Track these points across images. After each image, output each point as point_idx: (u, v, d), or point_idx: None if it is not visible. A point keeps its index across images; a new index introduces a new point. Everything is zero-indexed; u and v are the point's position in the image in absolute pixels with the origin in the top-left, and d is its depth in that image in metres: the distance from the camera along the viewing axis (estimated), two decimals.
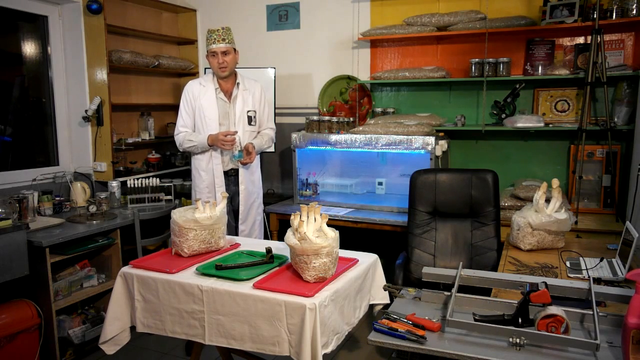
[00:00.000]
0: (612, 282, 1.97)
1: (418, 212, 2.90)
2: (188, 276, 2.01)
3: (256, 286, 1.86)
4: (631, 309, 1.36)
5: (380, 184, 3.91)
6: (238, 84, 3.19)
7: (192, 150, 3.20)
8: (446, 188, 2.87)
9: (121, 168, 3.91)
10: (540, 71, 3.38)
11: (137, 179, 3.65)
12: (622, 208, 3.21)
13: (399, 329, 1.56)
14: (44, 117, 3.80)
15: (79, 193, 3.59)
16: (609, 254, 2.32)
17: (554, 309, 1.51)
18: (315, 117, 3.79)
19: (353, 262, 2.12)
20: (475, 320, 1.57)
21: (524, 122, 3.30)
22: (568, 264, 2.19)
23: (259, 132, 3.31)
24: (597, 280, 1.97)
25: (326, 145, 3.66)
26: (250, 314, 1.83)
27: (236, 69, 3.21)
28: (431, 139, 3.29)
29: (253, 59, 4.32)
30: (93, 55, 3.71)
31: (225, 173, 3.21)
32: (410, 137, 3.35)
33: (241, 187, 3.23)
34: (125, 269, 2.13)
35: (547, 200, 2.47)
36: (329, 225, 1.97)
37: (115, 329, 2.11)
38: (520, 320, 1.54)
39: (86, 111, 3.70)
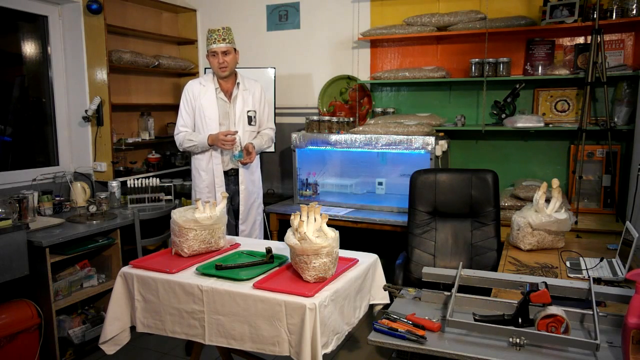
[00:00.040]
0: (612, 282, 1.97)
1: (418, 212, 2.90)
2: (188, 276, 2.01)
3: (256, 286, 1.86)
4: (631, 309, 1.36)
5: (380, 184, 3.91)
6: (238, 83, 3.19)
7: (192, 150, 3.20)
8: (446, 188, 2.87)
9: (121, 168, 3.91)
10: (540, 71, 3.38)
11: (137, 179, 3.65)
12: (622, 208, 3.21)
13: (399, 329, 1.56)
14: (44, 117, 3.80)
15: (79, 193, 3.59)
16: (609, 254, 2.32)
17: (554, 309, 1.51)
18: (315, 117, 3.79)
19: (353, 262, 2.12)
20: (475, 320, 1.57)
21: (524, 122, 3.30)
22: (568, 264, 2.19)
23: (258, 132, 3.31)
24: (597, 280, 1.97)
25: (326, 145, 3.66)
26: (250, 314, 1.83)
27: (236, 69, 3.22)
28: (431, 139, 3.29)
29: (253, 59, 4.32)
30: (93, 55, 3.71)
31: (225, 173, 3.22)
32: (410, 137, 3.35)
33: (241, 187, 3.23)
34: (125, 269, 2.13)
35: (547, 200, 2.47)
36: (329, 225, 1.97)
37: (115, 329, 2.11)
38: (520, 320, 1.54)
39: (86, 111, 3.70)
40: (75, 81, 3.79)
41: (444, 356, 1.48)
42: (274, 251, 2.18)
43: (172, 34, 4.52)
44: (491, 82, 3.48)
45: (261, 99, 3.29)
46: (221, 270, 2.03)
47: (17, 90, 3.69)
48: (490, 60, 3.44)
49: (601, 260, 2.17)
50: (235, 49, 3.13)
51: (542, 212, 2.41)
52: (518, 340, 1.46)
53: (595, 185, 3.28)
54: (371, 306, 2.21)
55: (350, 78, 4.07)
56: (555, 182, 2.49)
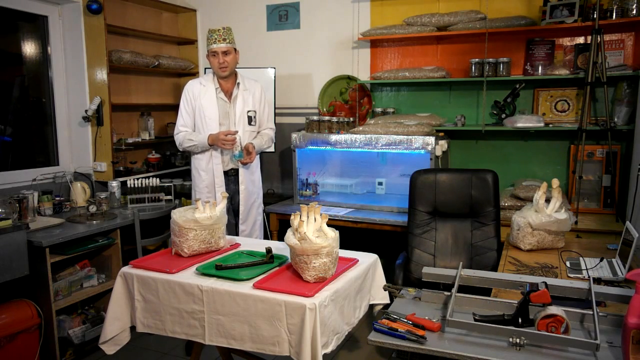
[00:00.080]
0: (612, 282, 1.97)
1: (418, 212, 2.90)
2: (188, 276, 2.01)
3: (256, 286, 1.86)
4: (631, 309, 1.36)
5: (380, 184, 3.91)
6: (238, 83, 3.19)
7: (192, 150, 3.20)
8: (446, 188, 2.87)
9: (121, 168, 3.91)
10: (540, 71, 3.38)
11: (137, 179, 3.65)
12: (622, 208, 3.21)
13: (399, 329, 1.56)
14: (44, 117, 3.80)
15: (79, 193, 3.59)
16: (609, 254, 2.32)
17: (554, 309, 1.51)
18: (315, 117, 3.79)
19: (353, 262, 2.12)
20: (475, 320, 1.57)
21: (524, 122, 3.30)
22: (568, 264, 2.19)
23: (258, 132, 3.31)
24: (597, 280, 1.97)
25: (326, 145, 3.66)
26: (250, 314, 1.83)
27: (236, 69, 3.22)
28: (431, 139, 3.29)
29: (253, 59, 4.32)
30: (93, 55, 3.71)
31: (225, 173, 3.22)
32: (410, 137, 3.35)
33: (241, 187, 3.23)
34: (125, 269, 2.13)
35: (547, 200, 2.47)
36: (329, 225, 1.97)
37: (115, 329, 2.11)
38: (520, 320, 1.54)
39: (86, 111, 3.70)
40: (75, 81, 3.79)
41: (444, 356, 1.48)
42: (274, 251, 2.18)
43: (172, 34, 4.52)
44: (491, 82, 3.48)
45: (261, 99, 3.29)
46: (221, 270, 2.03)
47: (17, 90, 3.69)
48: (490, 60, 3.44)
49: (601, 260, 2.17)
50: (235, 49, 3.13)
51: (542, 212, 2.41)
52: (518, 340, 1.46)
53: (595, 185, 3.28)
54: (371, 306, 2.21)
55: (350, 78, 4.07)
56: (555, 182, 2.49)
